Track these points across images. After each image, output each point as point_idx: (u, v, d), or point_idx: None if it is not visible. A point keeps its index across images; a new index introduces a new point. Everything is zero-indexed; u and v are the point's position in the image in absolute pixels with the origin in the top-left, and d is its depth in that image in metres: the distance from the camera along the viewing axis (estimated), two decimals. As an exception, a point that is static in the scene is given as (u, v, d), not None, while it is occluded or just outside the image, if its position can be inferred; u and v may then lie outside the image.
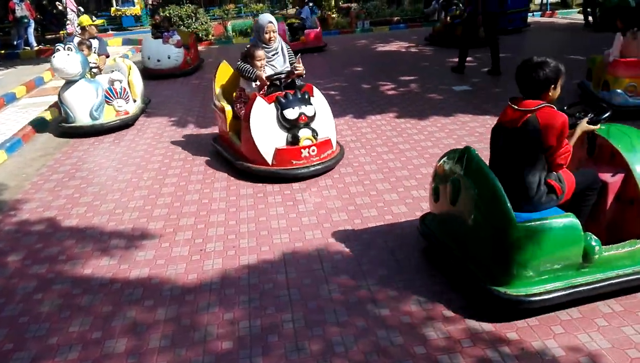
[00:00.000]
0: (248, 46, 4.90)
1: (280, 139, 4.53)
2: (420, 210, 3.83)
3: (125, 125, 6.55)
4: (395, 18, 15.45)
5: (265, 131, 4.51)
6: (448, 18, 11.35)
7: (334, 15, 15.50)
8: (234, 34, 15.21)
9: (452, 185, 2.88)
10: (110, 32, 16.99)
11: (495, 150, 2.92)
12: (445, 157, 3.12)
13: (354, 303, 2.86)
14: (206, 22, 14.27)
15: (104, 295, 3.10)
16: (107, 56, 7.51)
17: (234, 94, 5.10)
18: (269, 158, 4.52)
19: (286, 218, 3.91)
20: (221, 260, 3.40)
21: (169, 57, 9.64)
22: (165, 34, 9.82)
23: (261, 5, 18.68)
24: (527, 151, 2.68)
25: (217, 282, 3.16)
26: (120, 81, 6.60)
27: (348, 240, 3.54)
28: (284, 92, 4.60)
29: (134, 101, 6.87)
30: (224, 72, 5.43)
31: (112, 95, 6.53)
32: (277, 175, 4.53)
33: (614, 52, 5.93)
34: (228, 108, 5.06)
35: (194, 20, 13.94)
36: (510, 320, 2.61)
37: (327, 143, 4.68)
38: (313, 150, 4.54)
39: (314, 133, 4.60)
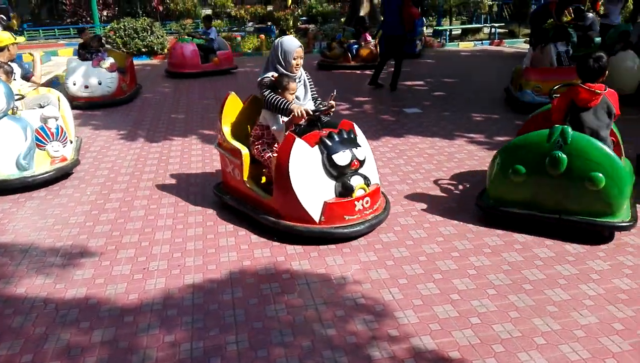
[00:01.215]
0: (273, 74, 3.97)
1: (328, 190, 3.66)
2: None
3: (63, 175, 5.03)
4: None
5: (310, 181, 3.61)
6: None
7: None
8: (190, 49, 15.04)
9: (553, 158, 3.58)
10: (62, 41, 16.49)
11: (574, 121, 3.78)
12: (516, 146, 3.83)
13: (300, 323, 2.82)
14: (162, 36, 14.07)
15: (36, 316, 2.93)
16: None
17: (251, 132, 4.15)
18: (315, 214, 3.64)
19: (235, 236, 3.84)
20: (164, 279, 3.28)
21: (99, 83, 8.12)
22: (96, 55, 8.37)
23: (219, 21, 18.63)
24: (605, 118, 3.76)
25: (159, 302, 3.04)
26: (56, 118, 5.09)
27: (296, 258, 3.51)
28: (326, 132, 3.73)
29: (71, 143, 5.36)
30: (232, 106, 4.32)
31: (45, 137, 4.97)
32: (330, 236, 3.65)
33: (526, 62, 7.83)
34: (245, 151, 4.02)
35: (149, 34, 13.73)
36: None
37: (377, 191, 3.89)
38: (367, 202, 3.74)
39: (366, 180, 3.79)
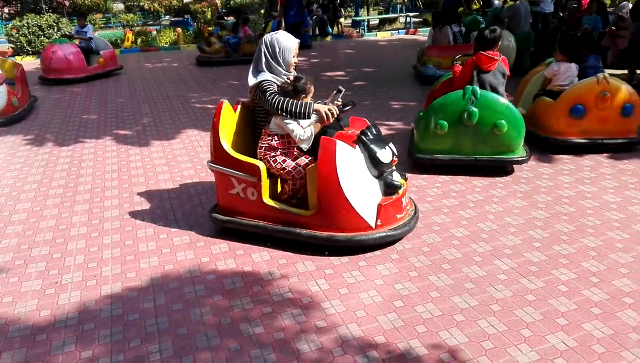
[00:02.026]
0: (292, 77, 3.55)
1: (376, 191, 3.43)
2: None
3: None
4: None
5: (361, 185, 3.34)
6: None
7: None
8: (102, 45, 14.29)
9: (468, 112, 4.44)
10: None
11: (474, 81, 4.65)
12: (439, 105, 4.60)
13: (227, 324, 2.76)
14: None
15: None
16: None
17: (260, 143, 3.58)
18: (372, 219, 3.37)
19: (156, 240, 3.69)
20: (79, 292, 3.09)
21: None
22: None
23: (132, 15, 17.80)
24: (501, 78, 4.69)
25: (74, 316, 2.86)
26: None
27: (222, 257, 3.43)
28: (366, 128, 3.49)
29: None
30: (226, 116, 3.66)
31: None
32: (389, 239, 3.43)
33: (428, 41, 9.16)
34: (262, 165, 3.47)
35: (55, 31, 12.87)
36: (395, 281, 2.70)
37: (407, 188, 3.72)
38: (408, 198, 3.67)
39: (403, 176, 3.64)
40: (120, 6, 20.71)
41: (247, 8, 18.64)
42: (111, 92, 8.80)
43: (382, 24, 17.86)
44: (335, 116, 3.47)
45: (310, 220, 3.41)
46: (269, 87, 3.47)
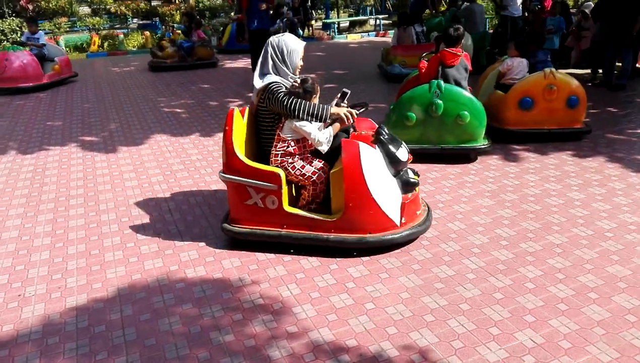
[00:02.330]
0: (299, 78, 3.50)
1: (397, 189, 3.45)
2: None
3: None
4: (247, 35, 15.50)
5: (385, 184, 3.35)
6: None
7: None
8: (67, 49, 13.98)
9: (434, 104, 4.84)
10: None
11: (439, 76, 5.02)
12: (407, 99, 4.98)
13: (196, 333, 2.71)
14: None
15: None
16: None
17: (273, 150, 3.49)
18: (397, 217, 3.40)
19: (123, 249, 3.61)
20: (44, 304, 3.00)
21: None
22: None
23: (98, 19, 17.45)
24: (463, 73, 5.06)
25: (38, 330, 2.77)
26: None
27: (191, 265, 3.38)
28: (379, 128, 3.53)
29: None
30: (236, 124, 3.44)
31: None
32: (414, 236, 3.50)
33: (393, 41, 9.54)
34: (282, 173, 3.38)
35: (19, 35, 12.51)
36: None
37: None
38: (423, 195, 3.77)
39: (415, 172, 3.66)
40: (86, 10, 20.27)
41: (217, 11, 18.51)
42: (77, 98, 8.59)
43: (353, 27, 17.95)
44: (355, 117, 3.50)
45: (336, 224, 3.38)
46: (279, 89, 3.39)
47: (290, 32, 15.27)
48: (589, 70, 8.76)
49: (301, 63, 3.56)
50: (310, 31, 16.26)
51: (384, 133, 3.47)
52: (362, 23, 18.23)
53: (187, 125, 6.75)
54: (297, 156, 3.44)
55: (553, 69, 5.49)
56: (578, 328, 2.65)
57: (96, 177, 4.99)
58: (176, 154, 5.60)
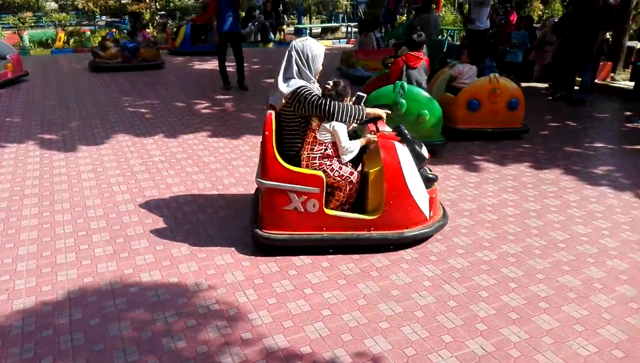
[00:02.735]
0: (331, 81, 3.57)
1: (423, 185, 3.61)
2: (227, 227, 3.79)
3: None
4: (216, 37, 15.37)
5: (418, 181, 3.53)
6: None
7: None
8: (31, 44, 13.60)
9: (397, 103, 5.22)
10: None
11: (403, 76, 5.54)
12: (373, 98, 5.19)
13: (147, 339, 2.66)
14: (-3, 32, 12.47)
15: None
16: None
17: (307, 152, 3.47)
18: (427, 212, 3.61)
19: (76, 251, 3.51)
20: (-12, 307, 2.89)
21: None
22: None
23: (65, 14, 17.01)
24: (424, 75, 5.63)
25: (-20, 335, 2.67)
26: None
27: (146, 269, 3.31)
28: (400, 128, 3.72)
29: None
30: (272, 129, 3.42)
31: None
32: (441, 228, 3.74)
33: (356, 46, 10.28)
34: (322, 175, 3.39)
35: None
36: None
37: None
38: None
39: (430, 169, 3.87)
40: (53, 5, 19.76)
41: (188, 11, 18.32)
42: (38, 95, 8.34)
43: (324, 33, 18.04)
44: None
45: (375, 222, 3.47)
46: (310, 92, 3.37)
47: (261, 35, 15.24)
48: (550, 84, 9.05)
49: (321, 67, 3.57)
50: (282, 35, 16.26)
51: (405, 132, 3.68)
52: (334, 30, 18.35)
53: (151, 125, 6.64)
54: (334, 158, 3.48)
55: (497, 75, 6.05)
56: (528, 337, 2.71)
57: (53, 176, 4.85)
58: (138, 155, 5.49)
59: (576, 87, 8.24)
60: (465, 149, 5.82)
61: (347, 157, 3.49)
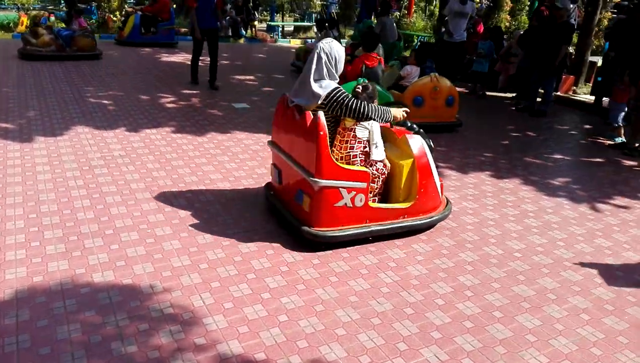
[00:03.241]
0: (361, 85, 3.87)
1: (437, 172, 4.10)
2: (187, 228, 3.71)
3: None
4: (183, 30, 15.11)
5: (435, 169, 4.00)
6: None
7: (115, 19, 14.42)
8: (-10, 27, 13.05)
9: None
10: None
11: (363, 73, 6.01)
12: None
13: (96, 343, 2.57)
14: None
15: None
16: None
17: (352, 150, 3.64)
18: (441, 196, 4.11)
19: (26, 248, 3.37)
20: None
21: None
22: None
23: (27, -2, 16.39)
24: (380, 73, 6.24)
25: None
26: None
27: (99, 269, 3.21)
28: (411, 123, 4.18)
29: None
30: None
31: None
32: (451, 212, 4.25)
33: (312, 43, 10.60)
34: (368, 170, 3.64)
35: None
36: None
37: None
38: None
39: None
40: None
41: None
42: (-6, 80, 8.00)
43: (297, 31, 17.98)
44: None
45: (408, 211, 3.83)
46: (347, 94, 3.60)
47: (232, 30, 15.03)
48: (514, 95, 9.26)
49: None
50: (254, 32, 16.12)
51: (416, 127, 4.11)
52: (307, 29, 18.30)
53: (113, 118, 6.46)
54: (366, 150, 3.71)
55: (437, 74, 6.82)
56: (481, 347, 2.75)
57: (6, 167, 4.65)
58: (97, 149, 5.33)
59: (539, 99, 8.46)
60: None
61: (379, 153, 3.71)
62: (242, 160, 5.37)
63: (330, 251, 3.61)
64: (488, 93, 9.57)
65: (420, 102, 6.65)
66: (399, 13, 16.25)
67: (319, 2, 19.78)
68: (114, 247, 3.47)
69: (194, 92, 8.30)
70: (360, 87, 3.87)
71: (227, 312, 2.89)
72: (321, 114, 3.45)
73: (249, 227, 3.90)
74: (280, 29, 16.95)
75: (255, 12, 17.24)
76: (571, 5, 9.20)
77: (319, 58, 3.57)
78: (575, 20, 10.17)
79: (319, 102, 3.53)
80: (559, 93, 9.55)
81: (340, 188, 3.52)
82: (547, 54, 7.86)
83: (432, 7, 18.30)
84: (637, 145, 6.60)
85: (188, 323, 2.77)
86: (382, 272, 3.41)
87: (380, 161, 3.74)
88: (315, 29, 12.81)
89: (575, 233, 4.21)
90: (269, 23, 17.86)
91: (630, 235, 4.26)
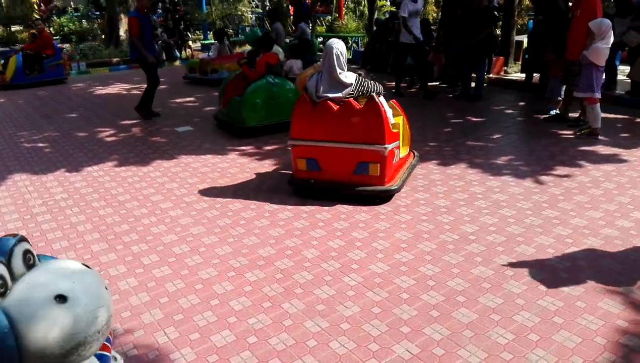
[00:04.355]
0: (362, 73, 4.78)
1: None
2: (141, 263, 3.60)
3: None
4: (115, 59, 14.75)
5: None
6: None
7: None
8: None
9: (272, 92, 6.99)
10: None
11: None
12: (252, 91, 6.91)
13: (59, 399, 2.45)
14: None
15: None
16: None
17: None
18: None
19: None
20: None
21: None
22: None
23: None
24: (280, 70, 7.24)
25: None
26: None
27: None
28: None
29: None
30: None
31: None
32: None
33: (215, 54, 11.83)
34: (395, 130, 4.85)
35: None
36: None
37: None
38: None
39: None
40: None
41: (85, 35, 17.44)
42: None
43: (233, 46, 17.83)
44: None
45: (408, 156, 5.19)
46: (366, 80, 4.54)
47: (166, 54, 14.76)
48: (448, 83, 9.54)
49: None
50: (189, 52, 15.92)
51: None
52: (242, 43, 18.19)
53: (50, 161, 6.21)
54: None
55: (317, 63, 7.49)
56: (449, 334, 2.80)
57: (-62, 229, 4.38)
58: (38, 195, 5.11)
59: (473, 84, 8.74)
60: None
61: (391, 117, 4.63)
62: (191, 184, 5.27)
63: (293, 263, 3.59)
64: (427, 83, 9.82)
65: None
66: (330, 17, 16.44)
67: (250, 16, 19.74)
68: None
69: (134, 121, 8.10)
70: (363, 72, 4.75)
71: (194, 343, 2.82)
72: (382, 98, 4.51)
73: (206, 252, 3.83)
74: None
75: (188, 33, 17.04)
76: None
77: (337, 55, 4.44)
78: (497, 3, 10.60)
79: (350, 90, 4.45)
80: (491, 75, 9.91)
81: (395, 149, 4.54)
82: (472, 39, 8.14)
83: (361, 8, 18.62)
84: (570, 115, 6.93)
85: (155, 362, 2.68)
86: (346, 275, 3.42)
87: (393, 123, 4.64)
88: (214, 39, 13.19)
89: (523, 208, 4.37)
90: (203, 42, 17.68)
91: (575, 202, 4.46)
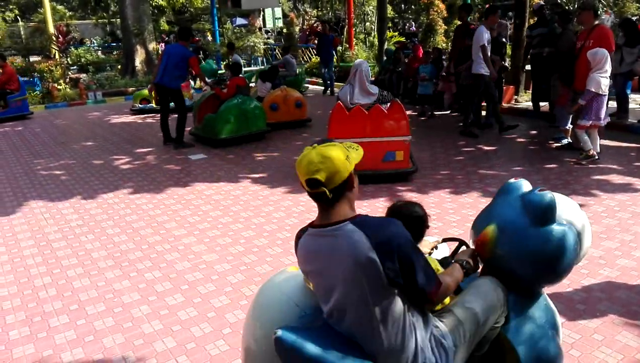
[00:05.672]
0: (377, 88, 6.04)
1: None
2: (154, 291, 3.61)
3: None
4: (131, 89, 15.06)
5: None
6: None
7: (60, 87, 14.26)
8: None
9: (243, 108, 8.37)
10: None
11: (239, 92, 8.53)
12: (226, 109, 8.31)
13: None
14: None
15: None
16: None
17: None
18: None
19: (-14, 338, 3.21)
20: None
21: None
22: None
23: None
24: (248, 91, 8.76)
25: None
26: None
27: (69, 348, 3.07)
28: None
29: None
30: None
31: None
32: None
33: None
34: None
35: None
36: None
37: None
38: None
39: None
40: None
41: (101, 65, 17.87)
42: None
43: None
44: None
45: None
46: (383, 91, 6.01)
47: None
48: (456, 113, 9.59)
49: None
50: (201, 84, 16.22)
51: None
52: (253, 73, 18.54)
53: (66, 188, 6.31)
54: None
55: (285, 86, 9.61)
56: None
57: (-44, 255, 4.44)
58: (54, 221, 5.18)
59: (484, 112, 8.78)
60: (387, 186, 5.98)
61: None
62: (205, 211, 5.32)
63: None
64: (436, 113, 9.89)
65: (276, 108, 9.23)
66: (341, 48, 16.69)
67: (262, 47, 20.16)
68: (80, 322, 3.34)
69: (148, 149, 8.23)
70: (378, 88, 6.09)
71: (206, 372, 2.81)
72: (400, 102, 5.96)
73: (218, 280, 3.84)
74: (227, 76, 17.09)
75: (202, 61, 17.39)
76: (502, 22, 9.72)
77: (365, 70, 5.86)
78: (506, 37, 10.76)
79: (375, 98, 5.83)
80: (502, 104, 9.95)
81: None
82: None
83: (371, 39, 18.91)
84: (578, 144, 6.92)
85: None
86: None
87: None
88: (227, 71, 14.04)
89: (537, 237, 4.33)
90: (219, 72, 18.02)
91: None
